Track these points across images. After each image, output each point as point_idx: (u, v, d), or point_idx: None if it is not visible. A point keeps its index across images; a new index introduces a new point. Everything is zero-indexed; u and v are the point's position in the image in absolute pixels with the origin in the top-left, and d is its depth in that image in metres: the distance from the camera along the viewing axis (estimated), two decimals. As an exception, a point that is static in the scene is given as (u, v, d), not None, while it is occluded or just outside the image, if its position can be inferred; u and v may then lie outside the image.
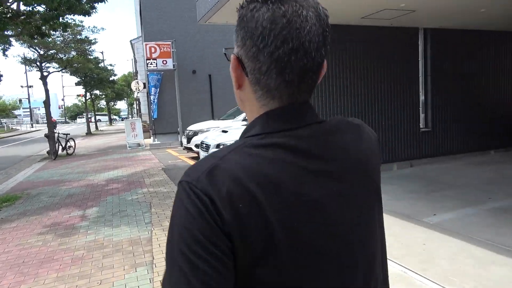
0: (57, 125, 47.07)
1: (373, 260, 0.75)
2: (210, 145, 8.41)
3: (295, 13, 0.65)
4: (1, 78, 33.78)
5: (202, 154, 8.73)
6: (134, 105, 58.31)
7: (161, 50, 15.01)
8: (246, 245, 0.61)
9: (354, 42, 7.33)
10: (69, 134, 15.61)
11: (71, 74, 29.27)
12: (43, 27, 8.38)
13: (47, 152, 15.27)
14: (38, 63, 15.12)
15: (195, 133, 11.03)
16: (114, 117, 74.95)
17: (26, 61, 14.47)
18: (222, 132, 8.82)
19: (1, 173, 12.22)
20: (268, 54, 0.66)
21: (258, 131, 0.69)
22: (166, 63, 15.10)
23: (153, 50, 14.94)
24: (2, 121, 54.28)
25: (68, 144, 15.52)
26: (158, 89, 16.05)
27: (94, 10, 9.23)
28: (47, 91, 15.38)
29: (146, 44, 14.94)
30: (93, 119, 37.97)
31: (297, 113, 0.70)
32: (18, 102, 62.84)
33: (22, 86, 57.38)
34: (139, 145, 16.56)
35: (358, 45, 7.38)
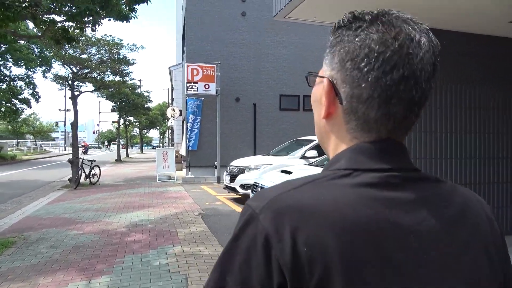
0: (89, 149, 46.77)
1: None
2: (266, 189, 6.23)
3: (407, 36, 0.57)
4: (40, 99, 33.32)
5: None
6: (166, 134, 57.78)
7: (204, 73, 13.36)
8: None
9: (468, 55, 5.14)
10: (94, 161, 13.95)
11: (106, 99, 28.55)
12: (69, 28, 6.74)
13: (69, 180, 13.62)
14: (69, 81, 13.79)
15: (241, 171, 8.94)
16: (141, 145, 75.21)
17: (57, 79, 13.25)
18: (283, 172, 6.66)
19: (12, 202, 10.50)
20: (373, 80, 0.57)
21: (345, 166, 0.59)
22: (208, 88, 13.40)
23: (195, 72, 13.32)
24: (38, 143, 54.81)
25: (93, 172, 13.84)
26: (199, 117, 14.29)
27: (133, 15, 7.57)
28: (76, 112, 13.94)
29: (187, 66, 13.36)
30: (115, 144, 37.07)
31: (394, 153, 0.60)
32: (54, 125, 63.83)
33: (60, 110, 58.51)
34: (170, 177, 14.66)
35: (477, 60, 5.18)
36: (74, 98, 13.96)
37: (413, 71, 0.57)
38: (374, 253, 0.51)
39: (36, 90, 31.23)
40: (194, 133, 14.23)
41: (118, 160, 28.36)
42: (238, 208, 8.28)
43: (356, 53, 0.58)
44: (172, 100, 27.92)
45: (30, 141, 54.26)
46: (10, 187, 13.41)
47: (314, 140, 9.33)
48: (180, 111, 19.32)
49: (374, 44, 0.57)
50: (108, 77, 14.87)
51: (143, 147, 55.57)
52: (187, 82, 13.27)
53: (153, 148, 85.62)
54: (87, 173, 13.57)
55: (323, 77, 0.64)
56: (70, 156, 13.85)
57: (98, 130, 75.88)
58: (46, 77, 15.67)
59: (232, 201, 9.34)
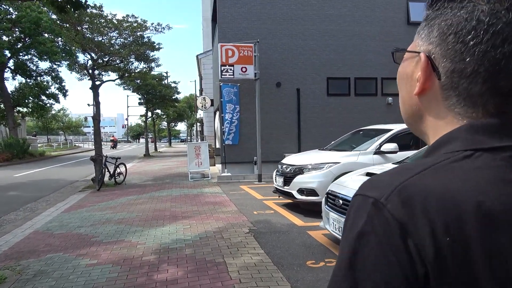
0: (117, 144, 46.14)
1: None
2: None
3: None
4: (67, 93, 32.17)
5: (332, 217, 4.62)
6: (195, 127, 56.56)
7: (240, 54, 11.44)
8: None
9: None
10: (119, 158, 12.39)
11: (133, 91, 27.23)
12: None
13: (92, 180, 12.14)
14: (89, 70, 12.22)
15: (298, 171, 6.97)
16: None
17: (75, 67, 11.71)
18: (368, 176, 4.66)
19: (26, 208, 9.04)
20: (479, 53, 0.53)
21: (463, 146, 0.54)
22: (245, 71, 11.48)
23: (230, 53, 11.41)
24: (68, 138, 54.90)
25: (118, 170, 12.31)
26: (238, 106, 12.42)
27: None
28: (97, 103, 12.41)
29: (221, 46, 11.46)
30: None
31: None
32: (84, 120, 63.96)
33: (88, 104, 58.35)
34: (203, 175, 12.92)
35: None
36: (95, 89, 12.42)
37: None
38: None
39: (63, 84, 30.45)
40: (234, 125, 12.38)
41: (147, 154, 27.08)
42: (298, 221, 6.37)
43: (462, 26, 0.54)
44: (201, 90, 26.28)
45: (61, 137, 54.41)
46: (29, 189, 12.05)
47: (389, 130, 7.25)
48: (212, 100, 17.55)
49: (483, 16, 0.53)
50: (132, 64, 13.28)
51: (171, 141, 54.58)
52: (221, 65, 11.39)
53: (181, 141, 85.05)
54: (111, 172, 12.05)
55: (417, 52, 0.60)
56: (91, 154, 12.35)
57: (127, 124, 75.88)
58: (72, 71, 14.21)
59: (286, 208, 7.43)
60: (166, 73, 30.09)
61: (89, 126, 75.61)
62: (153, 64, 13.56)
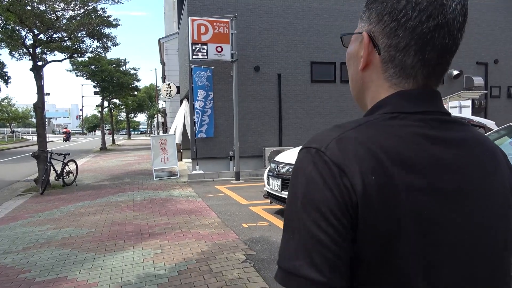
0: (71, 136, 42.63)
1: (503, 262, 0.67)
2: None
3: None
4: (9, 80, 28.72)
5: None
6: (157, 118, 53.68)
7: (215, 31, 9.72)
8: (372, 222, 0.57)
9: None
10: (68, 154, 10.34)
11: (87, 78, 24.56)
12: None
13: (35, 180, 10.04)
14: (29, 48, 10.00)
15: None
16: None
17: (9, 42, 9.41)
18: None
19: None
20: (409, 29, 0.63)
21: (391, 110, 0.65)
22: (221, 51, 9.78)
23: (202, 29, 9.66)
24: (15, 130, 50.23)
25: (67, 168, 10.26)
26: (211, 92, 10.69)
27: None
28: (40, 88, 10.26)
29: (192, 20, 9.67)
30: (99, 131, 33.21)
31: (432, 98, 0.67)
32: (32, 110, 58.98)
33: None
34: (170, 173, 11.15)
35: None
36: (36, 70, 10.23)
37: (446, 20, 0.62)
38: (426, 182, 0.60)
39: (4, 70, 27.04)
40: (207, 115, 10.64)
41: (103, 148, 24.57)
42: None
43: (394, 6, 0.63)
44: (164, 78, 24.11)
45: (7, 129, 49.70)
46: (-48, 193, 9.76)
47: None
48: (178, 88, 15.66)
49: None
50: (83, 42, 11.14)
51: (130, 132, 51.43)
52: (193, 43, 9.62)
53: (140, 133, 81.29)
54: (58, 171, 10.00)
55: (360, 33, 0.69)
56: (35, 150, 10.23)
57: (82, 116, 71.20)
58: (13, 56, 11.80)
59: (282, 218, 5.93)
60: (124, 60, 27.53)
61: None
62: (109, 43, 11.51)
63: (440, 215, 0.60)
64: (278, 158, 6.29)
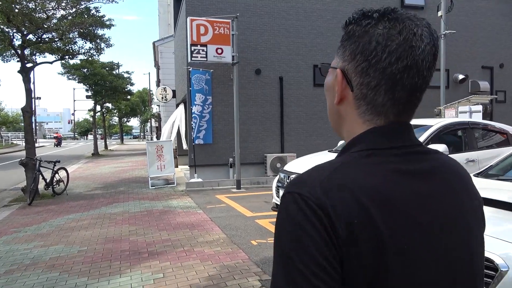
0: (62, 141, 41.73)
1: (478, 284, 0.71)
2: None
3: (410, 31, 0.65)
4: (-1, 84, 27.76)
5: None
6: (149, 123, 52.92)
7: (215, 32, 9.23)
8: (359, 265, 0.59)
9: None
10: (58, 161, 9.76)
11: (79, 81, 23.90)
12: None
13: (22, 190, 9.42)
14: (16, 49, 9.41)
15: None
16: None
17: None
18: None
19: None
20: (380, 69, 0.66)
21: (366, 147, 0.68)
22: (221, 53, 9.29)
23: (202, 30, 9.17)
24: (5, 135, 49.12)
25: (57, 177, 9.67)
26: (210, 96, 10.17)
27: None
28: (29, 91, 9.67)
29: (192, 20, 9.17)
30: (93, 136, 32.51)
31: (405, 132, 0.70)
32: (22, 114, 57.79)
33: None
34: (167, 181, 10.59)
35: None
36: (25, 72, 9.64)
37: (416, 61, 0.65)
38: (407, 218, 0.62)
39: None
40: (205, 120, 10.11)
41: (95, 154, 23.88)
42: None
43: (366, 47, 0.66)
44: (159, 81, 23.55)
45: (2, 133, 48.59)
46: None
47: (428, 126, 5.48)
48: (173, 91, 15.12)
49: (381, 39, 0.65)
50: (75, 42, 10.55)
51: (123, 137, 50.53)
52: (192, 45, 9.11)
53: (133, 138, 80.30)
54: (48, 180, 9.40)
55: (335, 68, 0.72)
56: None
57: (73, 120, 70.17)
58: (3, 58, 11.17)
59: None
60: (118, 63, 26.89)
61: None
62: (103, 45, 10.96)
63: (421, 248, 0.62)
64: (288, 167, 5.79)
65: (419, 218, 0.63)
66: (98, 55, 11.38)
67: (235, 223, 6.15)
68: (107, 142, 32.56)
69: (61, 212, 7.62)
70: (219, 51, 9.24)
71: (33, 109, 46.57)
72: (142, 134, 73.74)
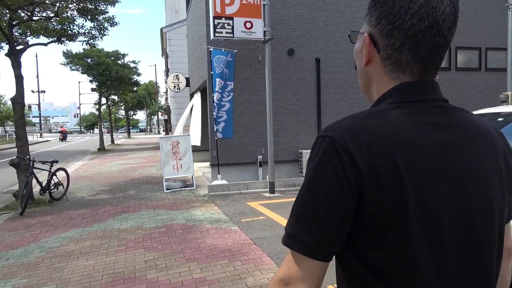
0: (67, 136, 40.35)
1: (493, 240, 0.75)
2: None
3: None
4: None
5: None
6: (158, 116, 51.34)
7: (243, 2, 7.53)
8: (378, 200, 0.66)
9: None
10: (56, 161, 8.20)
11: (83, 72, 22.32)
12: None
13: (14, 195, 7.87)
14: (3, 28, 7.80)
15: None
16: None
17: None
18: None
19: None
20: (403, 31, 0.72)
21: (394, 100, 0.74)
22: (251, 28, 7.60)
23: (227, 0, 7.46)
24: (8, 130, 47.90)
25: (55, 179, 8.12)
26: (231, 82, 8.49)
27: None
28: (19, 78, 8.06)
29: (214, -13, 7.44)
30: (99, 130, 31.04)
31: (431, 87, 0.76)
32: (27, 108, 56.56)
33: (33, 91, 51.26)
34: (185, 184, 8.98)
35: None
36: (14, 55, 8.04)
37: (436, 21, 0.71)
38: (427, 164, 0.68)
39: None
40: (224, 110, 8.43)
41: (101, 149, 22.36)
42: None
43: (390, 11, 0.73)
44: (168, 71, 21.91)
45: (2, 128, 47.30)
46: None
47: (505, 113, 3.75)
48: (187, 79, 13.45)
49: (404, 2, 0.72)
50: (74, 21, 8.92)
51: (130, 131, 48.98)
52: (215, 17, 7.42)
53: (140, 131, 78.93)
54: (44, 184, 7.85)
55: (362, 33, 0.81)
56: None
57: (79, 114, 68.87)
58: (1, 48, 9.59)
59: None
60: (123, 54, 25.22)
61: (36, 116, 67.91)
62: (106, 24, 9.33)
63: (440, 192, 0.68)
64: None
65: (438, 164, 0.69)
66: (101, 37, 9.72)
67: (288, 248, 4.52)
68: (114, 136, 31.05)
69: (58, 226, 6.06)
70: (248, 25, 7.55)
71: (38, 103, 44.86)
72: (148, 127, 72.37)
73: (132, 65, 24.39)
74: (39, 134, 47.03)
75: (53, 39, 9.11)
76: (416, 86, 0.74)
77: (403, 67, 0.74)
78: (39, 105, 48.20)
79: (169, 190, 8.55)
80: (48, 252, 4.81)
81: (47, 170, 8.01)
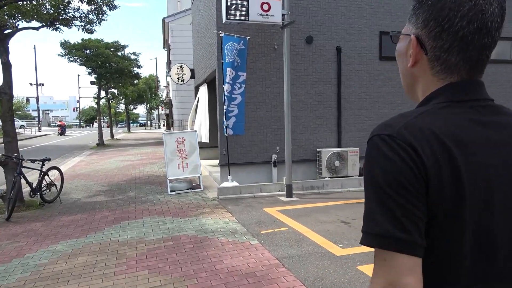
0: (66, 130, 39.44)
1: None
2: None
3: None
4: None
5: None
6: (158, 110, 50.41)
7: (260, -19, 6.62)
8: (441, 193, 0.68)
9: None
10: (48, 159, 7.36)
11: (81, 64, 21.40)
12: None
13: (1, 197, 7.04)
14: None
15: None
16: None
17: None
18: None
19: None
20: (452, 33, 0.73)
21: (443, 100, 0.76)
22: (268, 10, 6.71)
23: (242, -21, 6.56)
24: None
25: (47, 179, 7.29)
26: (243, 73, 7.61)
27: None
28: (7, 66, 7.21)
29: (227, -36, 6.54)
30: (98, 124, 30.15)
31: (478, 87, 0.77)
32: (25, 101, 55.62)
33: (31, 84, 50.24)
34: (191, 185, 8.13)
35: None
36: (1, 40, 7.17)
37: (485, 23, 0.72)
38: (483, 160, 0.71)
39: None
40: (235, 103, 7.57)
41: (101, 144, 21.49)
42: None
43: (439, 14, 0.73)
44: (170, 63, 21.02)
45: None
46: None
47: None
48: (192, 70, 12.56)
49: (453, 5, 0.72)
50: (68, 4, 8.04)
51: (130, 125, 48.00)
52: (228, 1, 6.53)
53: (140, 126, 77.96)
54: (34, 185, 7.01)
55: (409, 35, 0.80)
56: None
57: (79, 107, 67.88)
58: None
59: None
60: (123, 45, 24.25)
61: (35, 110, 66.92)
62: (104, 7, 8.45)
63: (492, 183, 0.71)
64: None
65: (488, 160, 0.71)
66: (99, 22, 8.84)
67: (325, 273, 3.67)
68: (113, 131, 30.15)
69: (47, 236, 5.23)
70: (265, 7, 6.66)
71: (37, 96, 43.87)
72: (149, 122, 71.47)
73: (132, 57, 23.45)
74: (37, 128, 46.11)
75: (45, 24, 8.22)
76: (464, 86, 0.76)
77: (452, 68, 0.76)
78: (37, 98, 47.16)
79: (174, 192, 7.71)
80: (32, 273, 3.98)
81: (38, 170, 7.17)
